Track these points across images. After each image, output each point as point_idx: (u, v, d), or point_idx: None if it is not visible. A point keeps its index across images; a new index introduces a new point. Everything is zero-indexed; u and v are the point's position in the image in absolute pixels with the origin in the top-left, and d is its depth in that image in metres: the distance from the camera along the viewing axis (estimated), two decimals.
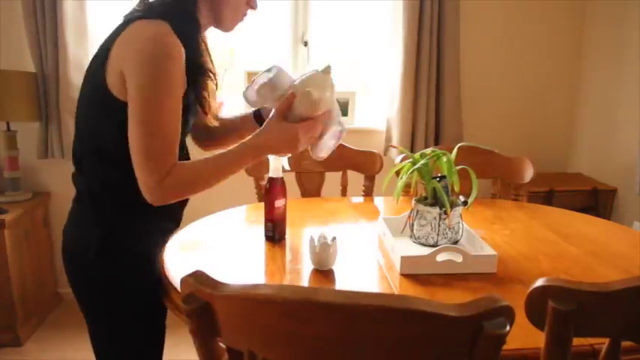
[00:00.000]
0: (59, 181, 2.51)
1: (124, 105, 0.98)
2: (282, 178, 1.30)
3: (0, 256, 2.12)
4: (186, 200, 1.18)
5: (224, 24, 1.12)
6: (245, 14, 1.14)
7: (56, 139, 2.32)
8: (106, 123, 1.03)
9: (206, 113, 1.12)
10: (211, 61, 1.12)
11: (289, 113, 1.10)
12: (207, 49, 1.11)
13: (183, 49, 0.98)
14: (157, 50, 0.95)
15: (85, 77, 1.07)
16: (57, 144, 2.33)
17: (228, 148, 1.09)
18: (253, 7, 1.14)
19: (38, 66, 2.28)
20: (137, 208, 1.04)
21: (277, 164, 1.28)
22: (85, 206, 1.10)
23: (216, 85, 1.13)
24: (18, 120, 2.27)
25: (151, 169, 0.97)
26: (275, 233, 1.31)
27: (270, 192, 1.28)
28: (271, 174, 1.30)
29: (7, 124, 2.31)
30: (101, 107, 1.02)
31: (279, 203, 1.29)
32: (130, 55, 0.96)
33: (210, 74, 1.09)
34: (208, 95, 1.09)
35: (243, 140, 1.09)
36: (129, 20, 1.00)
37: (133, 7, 1.05)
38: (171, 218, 1.18)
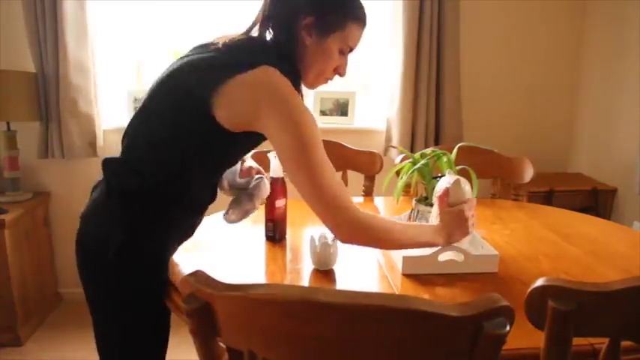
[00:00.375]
0: (59, 180, 2.51)
1: (225, 132, 1.00)
2: (282, 178, 1.31)
3: (0, 256, 2.12)
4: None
5: (306, 83, 1.15)
6: (330, 78, 1.17)
7: (56, 139, 2.32)
8: (193, 141, 1.03)
9: None
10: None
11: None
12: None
13: None
14: (297, 104, 0.99)
15: (170, 84, 1.06)
16: (57, 144, 2.33)
17: (414, 224, 1.18)
18: (341, 74, 1.17)
19: (38, 66, 2.28)
20: (165, 216, 1.08)
21: (278, 164, 1.28)
22: (113, 203, 1.08)
23: None
24: (18, 120, 2.27)
25: (335, 216, 1.00)
26: (276, 233, 1.31)
27: (270, 192, 1.28)
28: (272, 174, 1.30)
29: (7, 124, 2.31)
30: (195, 125, 1.02)
31: (279, 203, 1.30)
32: (276, 109, 0.97)
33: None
34: None
35: (427, 224, 1.17)
36: (254, 63, 1.00)
37: (241, 39, 1.08)
38: (192, 225, 1.20)
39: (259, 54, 1.04)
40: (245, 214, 1.24)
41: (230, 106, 0.99)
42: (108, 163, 1.11)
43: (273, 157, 1.29)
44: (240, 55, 1.04)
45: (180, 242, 1.19)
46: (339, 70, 1.16)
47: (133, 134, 1.10)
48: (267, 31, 1.09)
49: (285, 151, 0.99)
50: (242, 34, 1.10)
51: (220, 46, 1.06)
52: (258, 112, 0.98)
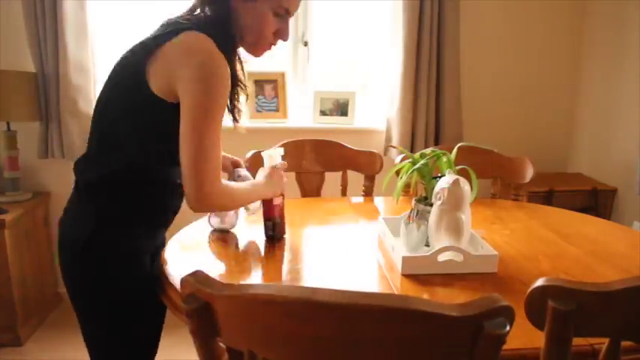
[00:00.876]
0: (59, 181, 2.51)
1: (162, 103, 1.03)
2: None
3: (0, 256, 2.12)
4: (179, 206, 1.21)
5: (249, 50, 1.18)
6: (274, 44, 1.18)
7: (56, 138, 2.32)
8: (139, 119, 1.06)
9: (237, 121, 1.22)
10: (243, 72, 1.20)
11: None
12: (240, 61, 1.19)
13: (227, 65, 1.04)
14: (215, 66, 1.01)
15: (117, 70, 1.10)
16: (57, 144, 2.33)
17: (251, 183, 1.25)
18: (284, 39, 1.18)
19: (38, 66, 2.28)
20: (131, 203, 1.10)
21: (273, 162, 1.29)
22: (80, 199, 1.12)
23: (247, 95, 1.23)
24: (18, 120, 2.27)
25: (204, 182, 1.02)
26: (275, 232, 1.31)
27: None
28: None
29: (7, 124, 2.31)
30: (136, 102, 1.05)
31: (277, 201, 1.29)
32: (190, 66, 1.00)
33: (242, 85, 1.18)
34: (238, 103, 1.19)
35: (256, 182, 1.25)
36: (179, 29, 1.04)
37: (177, 17, 1.11)
38: (165, 209, 1.19)
39: (187, 23, 1.07)
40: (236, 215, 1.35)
41: (158, 73, 1.02)
42: (75, 164, 1.13)
43: (267, 157, 1.30)
44: (170, 27, 1.06)
45: (159, 229, 1.20)
46: (281, 35, 1.17)
47: (92, 129, 1.13)
48: (206, 8, 1.11)
49: (188, 112, 1.00)
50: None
51: (158, 26, 1.10)
52: (177, 73, 1.00)
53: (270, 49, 1.19)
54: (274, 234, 1.31)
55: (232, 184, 1.16)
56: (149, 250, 1.16)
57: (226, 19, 1.09)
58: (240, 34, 1.13)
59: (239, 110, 1.21)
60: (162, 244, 1.25)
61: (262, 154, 1.32)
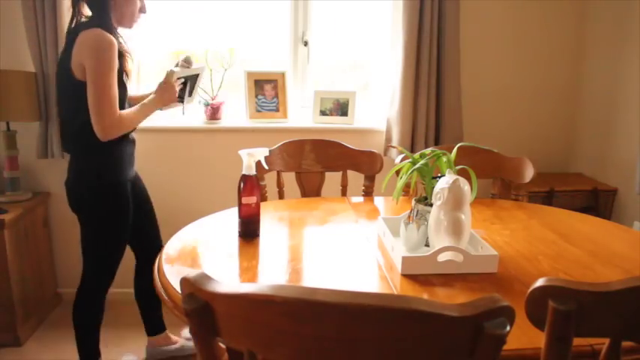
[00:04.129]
0: (59, 181, 2.50)
1: (82, 83, 1.61)
2: (255, 176, 1.32)
3: (0, 256, 2.12)
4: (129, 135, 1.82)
5: (124, 26, 1.78)
6: (139, 17, 1.80)
7: (56, 138, 2.32)
8: (74, 96, 1.65)
9: (128, 78, 1.77)
10: (126, 46, 1.76)
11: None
12: (122, 39, 1.75)
13: (115, 41, 1.63)
14: (103, 45, 1.60)
15: (58, 70, 1.71)
16: (57, 144, 2.32)
17: (141, 103, 1.77)
18: (144, 11, 1.80)
19: (38, 66, 2.28)
20: (100, 152, 1.71)
21: (250, 162, 1.31)
22: (72, 149, 1.78)
23: (133, 60, 1.80)
24: (18, 120, 2.26)
25: (104, 117, 1.61)
26: (245, 230, 1.34)
27: (241, 189, 1.31)
28: (244, 171, 1.32)
29: (7, 123, 2.31)
30: (69, 86, 1.66)
31: (249, 200, 1.31)
32: (87, 50, 1.60)
33: (127, 54, 1.75)
34: (127, 67, 1.74)
35: (146, 100, 1.80)
36: (78, 31, 1.63)
37: (74, 24, 1.69)
38: (122, 154, 1.79)
39: (87, 23, 1.65)
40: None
41: (75, 62, 1.62)
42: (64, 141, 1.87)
43: (245, 155, 1.32)
44: (78, 26, 1.67)
45: (127, 169, 1.81)
46: (142, 10, 1.79)
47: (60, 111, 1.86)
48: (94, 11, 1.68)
49: (89, 76, 1.60)
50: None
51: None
52: (84, 59, 1.60)
53: (137, 22, 1.80)
54: (245, 232, 1.34)
55: (125, 111, 1.69)
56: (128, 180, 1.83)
57: (108, 13, 1.68)
58: (118, 18, 1.72)
59: (128, 71, 1.75)
60: (137, 176, 1.95)
61: (240, 152, 1.33)
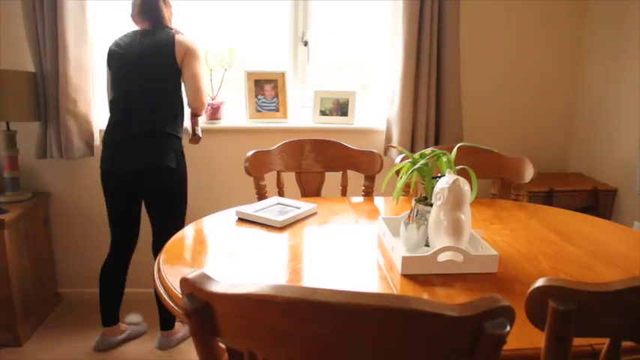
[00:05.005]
0: (59, 181, 2.52)
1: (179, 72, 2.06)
2: None
3: (0, 256, 2.12)
4: None
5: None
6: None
7: (55, 139, 2.32)
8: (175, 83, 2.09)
9: None
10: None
11: None
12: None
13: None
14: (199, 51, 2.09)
15: (154, 62, 2.01)
16: (56, 144, 2.32)
17: None
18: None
19: (38, 66, 2.28)
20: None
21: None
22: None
23: None
24: (18, 120, 2.26)
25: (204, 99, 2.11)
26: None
27: None
28: None
29: (7, 123, 2.31)
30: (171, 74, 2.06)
31: None
32: (189, 51, 2.04)
33: None
34: None
35: None
36: (174, 35, 2.04)
37: (168, 28, 2.09)
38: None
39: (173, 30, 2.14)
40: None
41: (178, 56, 2.05)
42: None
43: None
44: (172, 32, 2.11)
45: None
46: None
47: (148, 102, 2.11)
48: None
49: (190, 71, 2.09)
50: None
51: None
52: (185, 56, 2.09)
53: None
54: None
55: None
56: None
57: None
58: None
59: None
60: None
61: None
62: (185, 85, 2.08)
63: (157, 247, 2.11)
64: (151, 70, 1.99)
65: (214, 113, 2.51)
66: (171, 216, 2.09)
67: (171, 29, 2.07)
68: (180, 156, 2.07)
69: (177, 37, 2.03)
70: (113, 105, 2.05)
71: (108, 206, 2.12)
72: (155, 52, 1.99)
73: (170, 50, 1.99)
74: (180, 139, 2.08)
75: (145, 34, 2.03)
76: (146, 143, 1.97)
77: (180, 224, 2.10)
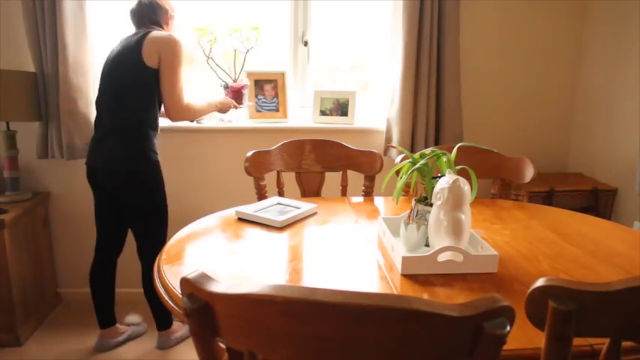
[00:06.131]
0: (59, 181, 2.52)
1: (155, 70, 1.97)
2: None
3: (0, 256, 2.12)
4: None
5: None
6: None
7: (56, 138, 2.32)
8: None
9: None
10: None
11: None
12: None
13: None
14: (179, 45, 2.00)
15: (121, 61, 1.98)
16: (56, 144, 2.32)
17: (206, 101, 2.20)
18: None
19: (38, 66, 2.28)
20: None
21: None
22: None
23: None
24: (18, 120, 2.26)
25: (178, 100, 1.99)
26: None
27: None
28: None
29: (7, 123, 2.31)
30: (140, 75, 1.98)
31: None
32: (164, 46, 1.95)
33: None
34: None
35: (212, 100, 2.25)
36: (146, 33, 1.98)
37: (141, 29, 2.03)
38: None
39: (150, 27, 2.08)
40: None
41: (148, 54, 1.99)
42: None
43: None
44: (146, 30, 2.05)
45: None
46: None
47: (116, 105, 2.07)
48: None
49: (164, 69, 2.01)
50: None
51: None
52: (161, 52, 2.01)
53: None
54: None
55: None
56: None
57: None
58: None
59: None
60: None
61: None
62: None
63: (139, 252, 2.11)
64: (118, 70, 1.98)
65: (236, 98, 2.40)
66: (145, 219, 2.05)
67: (153, 29, 2.01)
68: (142, 158, 1.97)
69: (151, 34, 1.95)
70: (95, 103, 2.12)
71: (94, 205, 2.15)
72: (124, 52, 1.98)
73: (137, 49, 1.93)
74: (148, 139, 1.99)
75: (128, 36, 2.04)
76: (107, 144, 1.98)
77: (157, 228, 2.06)
